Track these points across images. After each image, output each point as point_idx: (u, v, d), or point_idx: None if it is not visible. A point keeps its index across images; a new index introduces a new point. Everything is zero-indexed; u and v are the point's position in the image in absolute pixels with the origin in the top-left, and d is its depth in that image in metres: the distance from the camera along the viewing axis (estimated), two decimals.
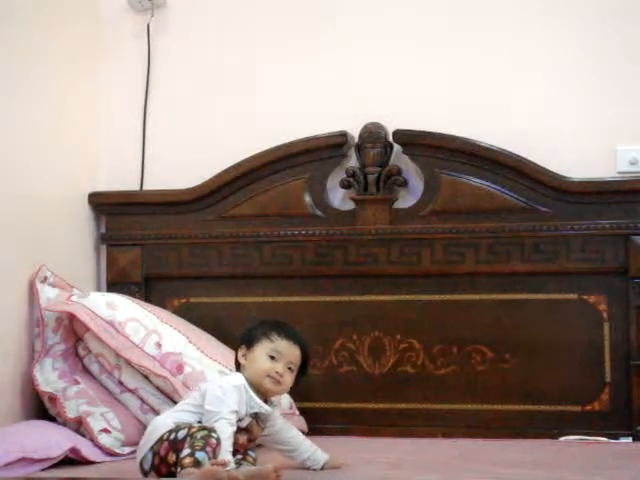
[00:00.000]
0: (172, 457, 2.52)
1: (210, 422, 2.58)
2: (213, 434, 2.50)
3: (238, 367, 2.76)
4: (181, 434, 2.53)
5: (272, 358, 2.70)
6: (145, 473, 2.61)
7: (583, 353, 3.43)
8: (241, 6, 3.79)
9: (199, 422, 2.61)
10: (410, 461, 2.91)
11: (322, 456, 2.80)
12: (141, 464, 2.62)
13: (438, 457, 3.00)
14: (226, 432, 2.56)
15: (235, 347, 2.80)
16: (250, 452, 2.71)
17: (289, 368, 2.72)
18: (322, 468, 2.78)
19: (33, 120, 3.40)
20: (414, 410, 3.52)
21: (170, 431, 2.57)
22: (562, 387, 3.43)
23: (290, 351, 2.72)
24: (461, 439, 3.38)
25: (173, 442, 2.54)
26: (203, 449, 2.45)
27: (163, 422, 2.63)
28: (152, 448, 2.59)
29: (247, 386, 2.67)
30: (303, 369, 2.77)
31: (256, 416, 2.69)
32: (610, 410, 3.40)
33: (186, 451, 2.47)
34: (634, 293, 3.39)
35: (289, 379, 2.73)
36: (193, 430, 2.51)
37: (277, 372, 2.69)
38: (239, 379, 2.68)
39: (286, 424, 2.82)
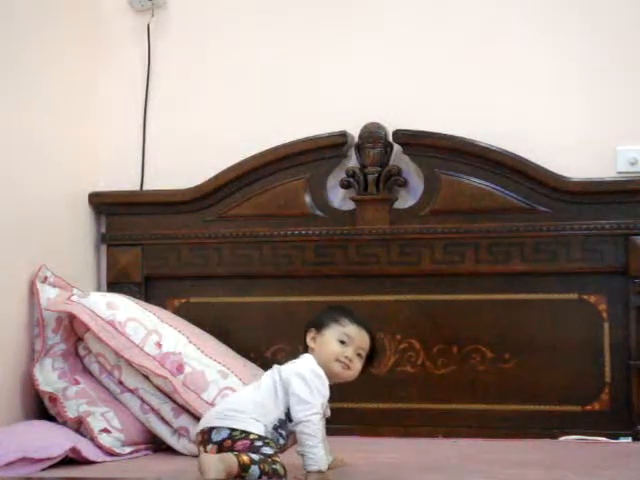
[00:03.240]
0: (244, 458, 2.49)
1: (303, 413, 2.58)
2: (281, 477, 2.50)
3: (306, 349, 2.76)
4: (265, 450, 2.53)
5: (342, 343, 2.71)
6: (206, 440, 2.59)
7: (583, 353, 3.43)
8: (241, 6, 3.79)
9: (286, 415, 2.62)
10: (410, 461, 2.92)
11: (328, 457, 2.80)
12: (209, 431, 2.60)
13: (438, 457, 3.01)
14: (320, 432, 2.59)
15: (304, 331, 2.79)
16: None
17: (358, 354, 2.73)
18: (328, 468, 2.79)
19: (33, 120, 3.40)
20: (414, 410, 3.52)
21: (260, 437, 2.57)
22: (562, 387, 3.43)
23: (360, 337, 2.73)
24: (461, 439, 3.38)
25: (253, 450, 2.53)
26: (262, 472, 2.46)
27: (255, 417, 2.60)
28: (233, 431, 2.57)
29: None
30: (370, 358, 2.77)
31: None
32: (610, 410, 3.40)
33: (255, 456, 2.48)
34: (634, 293, 3.39)
35: (358, 365, 2.73)
36: (274, 459, 2.51)
37: (347, 357, 2.70)
38: (319, 367, 2.68)
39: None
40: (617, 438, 3.34)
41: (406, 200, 3.61)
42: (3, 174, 3.24)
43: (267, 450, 2.54)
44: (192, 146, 3.77)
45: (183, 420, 3.16)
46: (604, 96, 3.51)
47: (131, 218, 3.74)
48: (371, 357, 2.78)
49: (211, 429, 2.61)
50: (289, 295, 3.62)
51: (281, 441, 2.64)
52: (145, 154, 3.81)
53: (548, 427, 3.41)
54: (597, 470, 2.74)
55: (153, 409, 3.21)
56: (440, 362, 3.52)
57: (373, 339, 2.77)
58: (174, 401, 3.16)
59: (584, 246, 3.44)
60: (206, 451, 2.59)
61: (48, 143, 3.50)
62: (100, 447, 3.08)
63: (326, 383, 2.67)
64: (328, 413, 2.77)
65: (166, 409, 3.18)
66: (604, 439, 3.33)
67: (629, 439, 3.33)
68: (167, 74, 3.82)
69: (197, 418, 3.12)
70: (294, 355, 3.55)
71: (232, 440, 2.57)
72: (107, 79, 3.83)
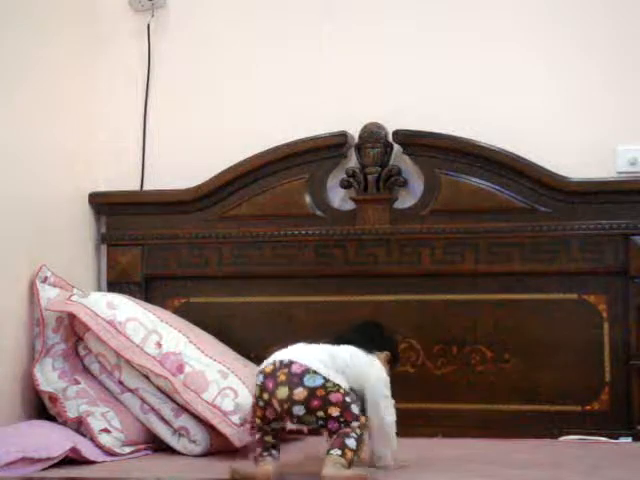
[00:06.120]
0: (334, 410, 2.56)
1: (387, 408, 2.75)
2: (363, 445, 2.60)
3: (371, 342, 2.83)
4: (353, 408, 2.58)
5: None
6: (295, 382, 2.57)
7: (583, 353, 3.43)
8: (241, 6, 3.79)
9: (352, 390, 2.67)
10: (410, 461, 2.91)
11: None
12: (304, 372, 2.58)
13: (438, 457, 3.00)
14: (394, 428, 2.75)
15: (388, 343, 2.93)
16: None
17: None
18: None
19: (33, 120, 3.40)
20: (414, 410, 3.51)
21: (349, 394, 2.60)
22: (562, 387, 3.43)
23: None
24: (461, 439, 3.38)
25: (345, 405, 2.57)
26: (355, 452, 2.54)
27: (337, 371, 2.64)
28: (327, 380, 2.58)
29: None
30: None
31: None
32: (610, 410, 3.40)
33: (351, 442, 2.53)
34: (634, 293, 3.39)
35: None
36: (364, 424, 2.61)
37: None
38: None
39: None
40: (617, 438, 3.33)
41: (406, 200, 3.61)
42: (3, 174, 3.24)
43: (355, 409, 2.59)
44: (192, 146, 3.77)
45: (183, 420, 3.15)
46: (604, 96, 3.51)
47: (131, 218, 3.74)
48: None
49: (307, 370, 2.59)
50: (289, 295, 3.62)
51: None
52: (145, 154, 3.81)
53: (548, 427, 3.40)
54: (597, 470, 2.74)
55: (153, 409, 3.21)
56: (440, 362, 3.52)
57: None
58: (174, 401, 3.16)
59: (584, 246, 3.44)
60: (292, 394, 2.57)
61: (48, 143, 3.49)
62: (100, 447, 3.07)
63: None
64: None
65: (166, 409, 3.18)
66: (604, 439, 3.33)
67: (629, 439, 3.33)
68: (167, 74, 3.82)
69: (197, 418, 3.12)
70: None
71: (325, 390, 2.58)
72: (107, 79, 3.84)
